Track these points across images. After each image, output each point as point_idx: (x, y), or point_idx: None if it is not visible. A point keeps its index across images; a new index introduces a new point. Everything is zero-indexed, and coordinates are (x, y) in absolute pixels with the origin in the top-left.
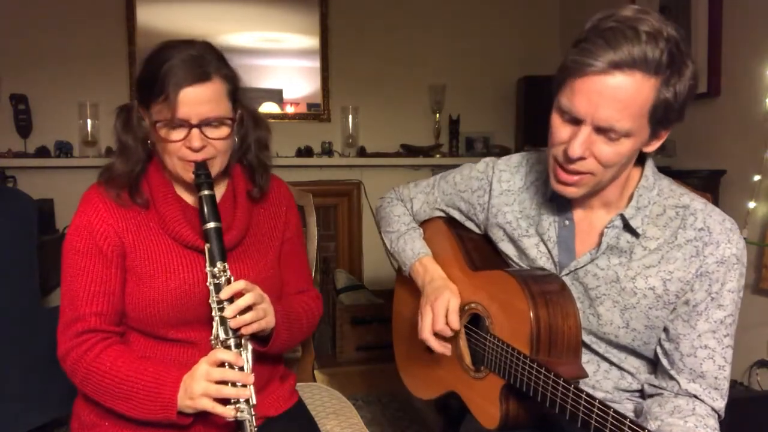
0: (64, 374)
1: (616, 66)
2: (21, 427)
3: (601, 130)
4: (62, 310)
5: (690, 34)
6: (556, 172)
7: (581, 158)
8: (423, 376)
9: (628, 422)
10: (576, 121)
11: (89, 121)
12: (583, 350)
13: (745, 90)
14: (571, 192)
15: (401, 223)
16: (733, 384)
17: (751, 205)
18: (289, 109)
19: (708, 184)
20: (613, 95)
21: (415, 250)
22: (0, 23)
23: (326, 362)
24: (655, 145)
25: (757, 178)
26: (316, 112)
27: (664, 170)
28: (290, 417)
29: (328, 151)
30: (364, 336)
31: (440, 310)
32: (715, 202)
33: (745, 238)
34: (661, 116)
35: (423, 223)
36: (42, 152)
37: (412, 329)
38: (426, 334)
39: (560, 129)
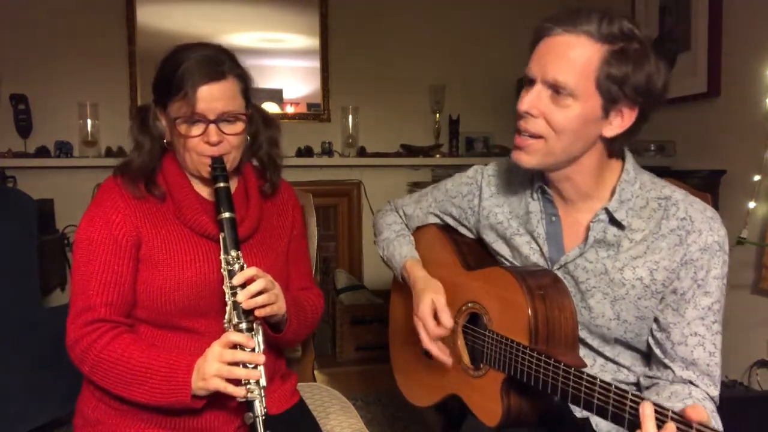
0: (65, 374)
1: (567, 30)
2: (21, 426)
3: (550, 86)
4: (73, 299)
5: (690, 34)
6: (514, 140)
7: (531, 115)
8: (421, 382)
9: (630, 395)
10: (532, 83)
11: (89, 121)
12: (579, 346)
13: (745, 90)
14: (523, 159)
15: (391, 231)
16: (733, 384)
17: (751, 205)
18: (289, 109)
19: (708, 184)
20: (560, 52)
21: (402, 254)
22: (0, 23)
23: (326, 362)
24: (613, 128)
25: (757, 178)
26: (316, 112)
27: (664, 170)
28: (292, 416)
29: (328, 151)
30: (364, 336)
31: (426, 315)
32: (715, 202)
33: (744, 238)
34: (607, 88)
35: (418, 231)
36: (42, 152)
37: (407, 336)
38: (427, 345)
39: (521, 96)
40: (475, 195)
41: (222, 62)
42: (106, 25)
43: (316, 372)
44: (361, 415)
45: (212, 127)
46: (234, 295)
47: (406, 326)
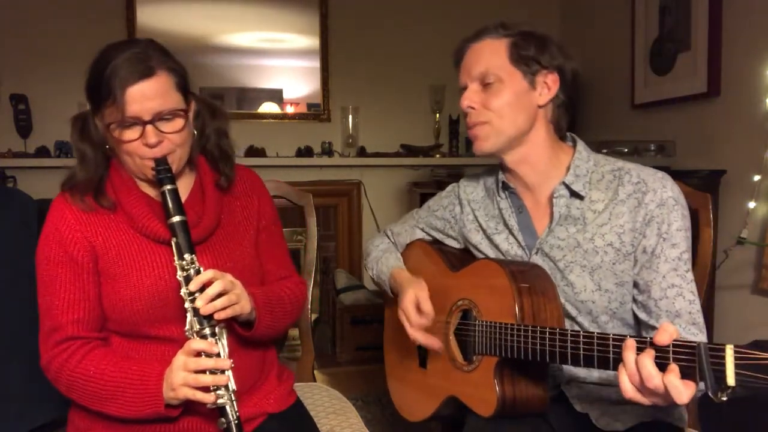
0: None
1: (475, 41)
2: (22, 426)
3: (479, 81)
4: (41, 320)
5: (690, 34)
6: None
7: (473, 108)
8: (419, 393)
9: (611, 337)
10: (466, 89)
11: None
12: (572, 324)
13: (745, 90)
14: (480, 146)
15: (379, 250)
16: None
17: (751, 205)
18: (289, 109)
19: (708, 184)
20: (476, 55)
21: (389, 266)
22: (0, 23)
23: (326, 362)
24: (543, 96)
25: (757, 178)
26: (316, 112)
27: (664, 170)
28: (289, 416)
29: (328, 151)
30: (364, 336)
31: (408, 306)
32: (715, 202)
33: (744, 238)
34: (524, 63)
35: (405, 250)
36: (42, 152)
37: (401, 353)
38: (412, 334)
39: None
40: (456, 204)
41: (149, 58)
42: (106, 25)
43: (316, 372)
44: (361, 415)
45: (149, 128)
46: (193, 301)
47: (399, 343)
